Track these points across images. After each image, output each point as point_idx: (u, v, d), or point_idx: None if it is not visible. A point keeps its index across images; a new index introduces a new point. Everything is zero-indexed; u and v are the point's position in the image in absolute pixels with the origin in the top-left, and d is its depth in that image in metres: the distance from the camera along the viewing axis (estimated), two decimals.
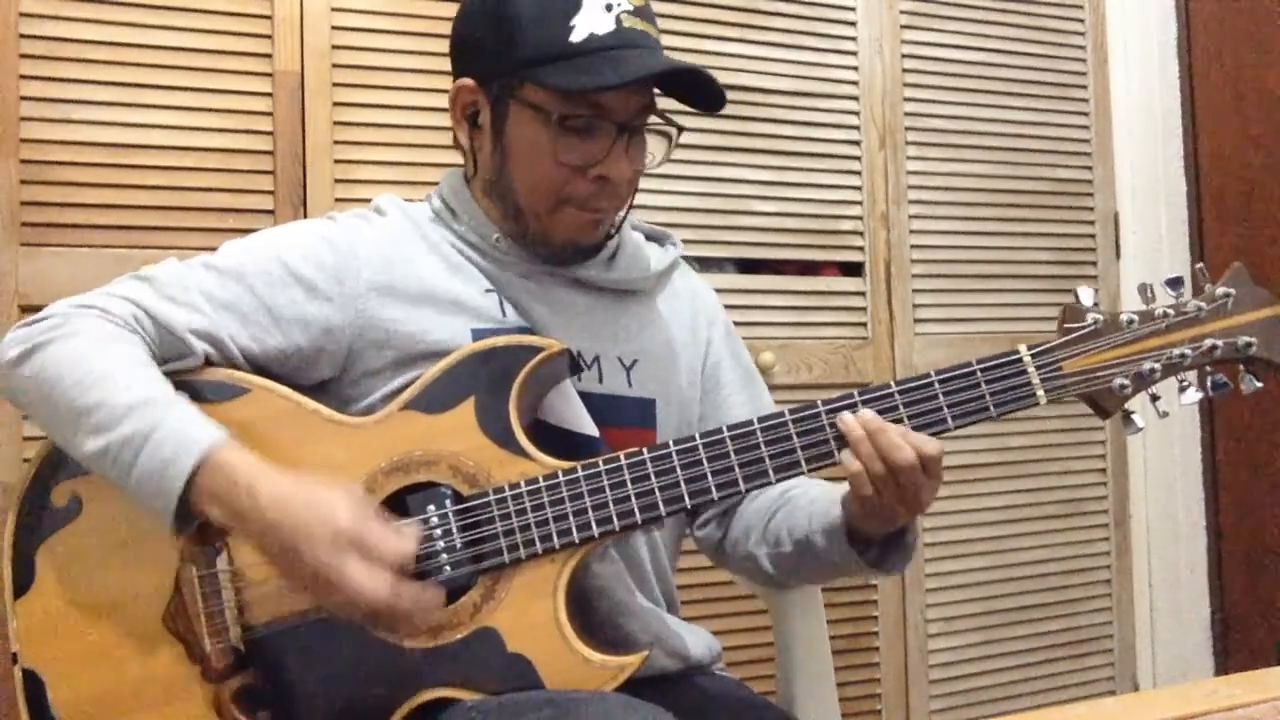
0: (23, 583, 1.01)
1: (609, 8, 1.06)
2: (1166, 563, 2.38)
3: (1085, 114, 2.35)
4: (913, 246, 2.17)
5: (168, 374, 1.02)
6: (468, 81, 1.12)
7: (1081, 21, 2.36)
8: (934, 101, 2.21)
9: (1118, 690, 2.31)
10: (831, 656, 1.33)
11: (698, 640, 1.18)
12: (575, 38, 1.04)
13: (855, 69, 2.13)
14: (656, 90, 1.11)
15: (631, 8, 1.07)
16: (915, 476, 0.99)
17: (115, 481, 0.96)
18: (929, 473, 0.99)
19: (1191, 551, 2.39)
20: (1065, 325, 1.02)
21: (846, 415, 1.00)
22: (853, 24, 2.13)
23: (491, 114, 1.11)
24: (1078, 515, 2.30)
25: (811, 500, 1.14)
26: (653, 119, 1.12)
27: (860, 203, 2.12)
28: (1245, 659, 2.34)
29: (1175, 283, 1.02)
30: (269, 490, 0.93)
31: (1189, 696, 0.87)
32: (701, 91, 1.09)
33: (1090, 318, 1.01)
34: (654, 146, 1.14)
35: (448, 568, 0.99)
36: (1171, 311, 1.01)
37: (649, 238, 1.26)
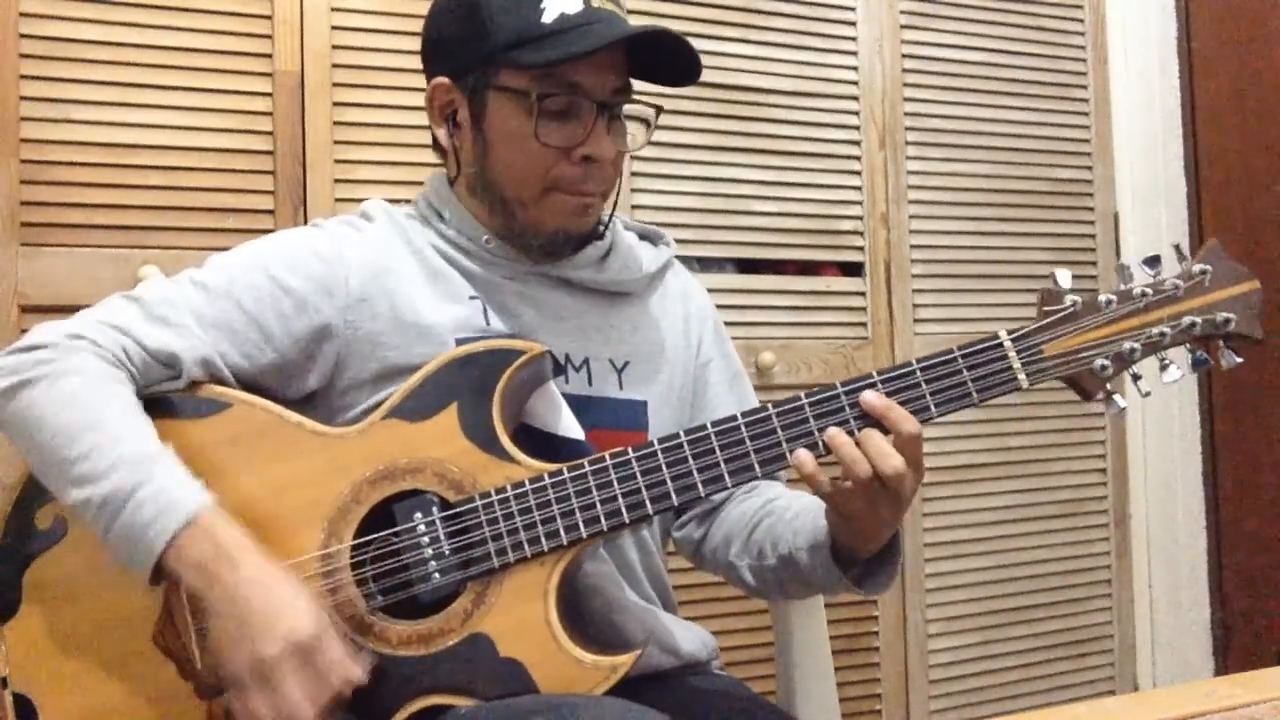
0: (10, 606, 1.00)
1: None
2: (1166, 563, 2.38)
3: (1085, 114, 2.35)
4: (913, 246, 2.16)
5: (153, 395, 1.02)
6: (443, 80, 1.13)
7: (1081, 21, 2.36)
8: (934, 101, 2.20)
9: (1118, 690, 2.31)
10: (831, 656, 1.33)
11: (693, 636, 1.18)
12: (546, 19, 1.05)
13: (855, 69, 2.13)
14: (634, 80, 1.11)
15: None
16: (902, 480, 0.97)
17: (95, 533, 0.95)
18: (909, 458, 0.97)
19: (1191, 551, 2.39)
20: (1044, 308, 1.02)
21: (834, 430, 0.99)
22: (853, 24, 2.13)
23: (470, 108, 1.11)
24: (1078, 515, 2.30)
25: (796, 514, 1.13)
26: (630, 103, 1.12)
27: (860, 203, 2.12)
28: (1245, 659, 2.34)
29: (1152, 261, 1.02)
30: (244, 571, 0.92)
31: (1189, 696, 0.87)
32: (676, 60, 1.10)
33: (1069, 300, 1.01)
34: (634, 131, 1.15)
35: (437, 575, 0.99)
36: (1149, 290, 1.00)
37: (642, 237, 1.26)
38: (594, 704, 0.93)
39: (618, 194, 1.17)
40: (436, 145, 1.18)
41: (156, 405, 1.02)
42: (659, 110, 1.15)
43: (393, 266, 1.11)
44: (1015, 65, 2.28)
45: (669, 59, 1.10)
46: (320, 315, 1.07)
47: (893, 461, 0.96)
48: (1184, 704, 0.85)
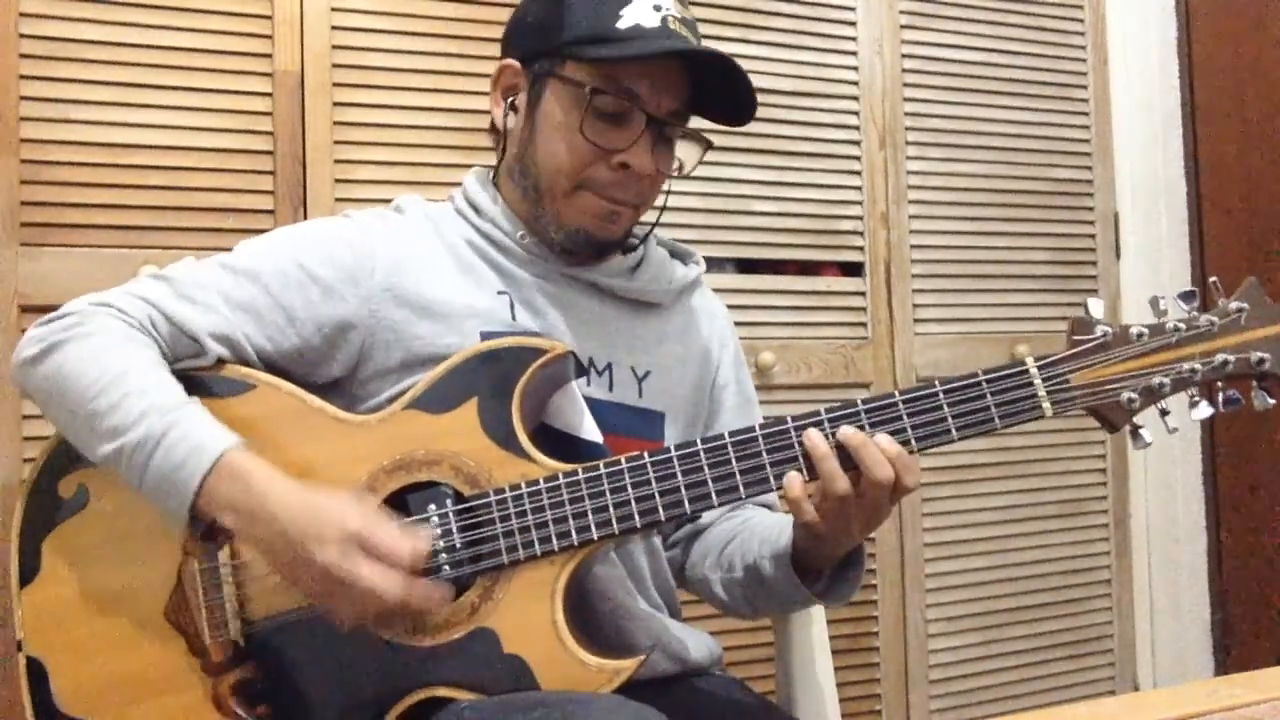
0: (29, 572, 1.03)
1: (657, 8, 1.09)
2: (1166, 563, 2.38)
3: (1085, 114, 2.35)
4: (913, 246, 2.16)
5: (178, 372, 1.04)
6: (512, 62, 1.15)
7: (1081, 21, 2.36)
8: (934, 101, 2.20)
9: (1118, 690, 2.31)
10: (831, 656, 1.33)
11: (697, 643, 1.19)
12: (622, 25, 1.07)
13: (855, 69, 2.13)
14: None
15: (679, 16, 1.11)
16: (883, 495, 0.97)
17: (128, 482, 0.97)
18: (895, 496, 0.98)
19: (1191, 551, 2.39)
20: (1074, 337, 1.00)
21: (813, 432, 0.98)
22: (853, 24, 2.13)
23: (529, 93, 1.13)
24: (1078, 515, 2.30)
25: (767, 528, 1.14)
26: (682, 129, 1.14)
27: (860, 203, 2.12)
28: (1245, 659, 2.34)
29: (1188, 296, 1.00)
30: (278, 496, 0.94)
31: (1189, 696, 0.87)
32: (730, 96, 1.11)
33: (1099, 330, 0.99)
34: (686, 158, 1.16)
35: (446, 567, 1.00)
36: (1183, 325, 0.99)
37: (673, 254, 1.27)
38: (594, 703, 0.93)
39: (660, 213, 1.19)
40: (492, 127, 1.19)
41: (182, 382, 1.03)
42: (710, 144, 1.16)
43: (421, 257, 1.12)
44: (1015, 65, 2.28)
45: (727, 95, 1.12)
46: (345, 304, 1.08)
47: (884, 471, 0.95)
48: (1184, 704, 0.85)
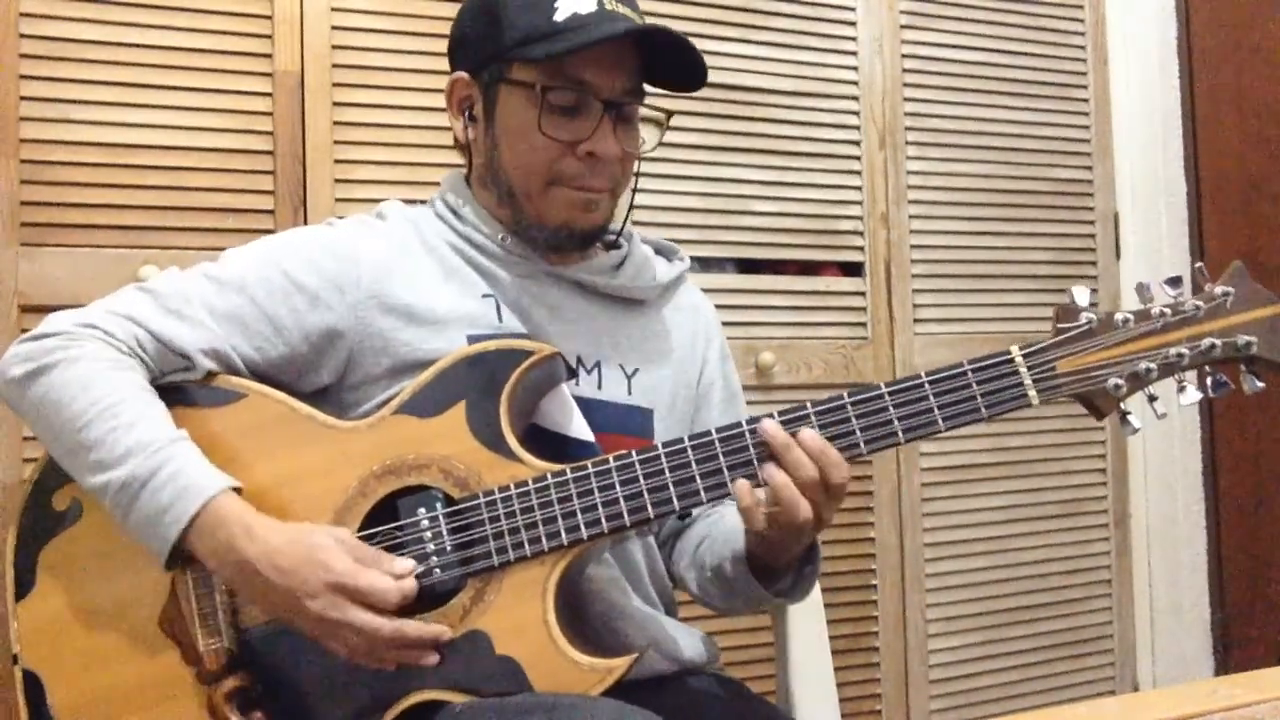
0: (24, 585, 1.03)
1: None
2: (1166, 563, 2.38)
3: (1085, 114, 2.35)
4: (913, 246, 2.16)
5: (168, 384, 1.04)
6: (461, 75, 1.15)
7: (1081, 21, 2.36)
8: (934, 101, 2.20)
9: (1118, 690, 2.31)
10: (831, 656, 1.33)
11: (693, 641, 1.18)
12: (559, 17, 1.07)
13: (855, 69, 2.13)
14: (647, 86, 1.13)
15: None
16: (817, 494, 0.97)
17: (113, 516, 0.97)
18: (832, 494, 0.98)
19: (1191, 551, 2.39)
20: (1059, 325, 1.00)
21: (768, 423, 0.99)
22: (853, 24, 2.13)
23: (483, 102, 1.14)
24: (1078, 515, 2.30)
25: (731, 528, 1.14)
26: (643, 108, 1.14)
27: (860, 203, 2.12)
28: (1245, 659, 2.34)
29: (1174, 282, 1.00)
30: (261, 546, 0.95)
31: (1189, 696, 0.87)
32: (681, 63, 1.11)
33: (1084, 317, 0.99)
34: (647, 135, 1.16)
35: (438, 570, 1.00)
36: (1168, 310, 0.99)
37: (658, 251, 1.27)
38: (589, 704, 0.94)
39: (633, 199, 1.18)
40: (455, 140, 1.19)
41: (172, 393, 1.03)
42: (669, 115, 1.16)
43: (406, 262, 1.12)
44: (1015, 65, 2.28)
45: (678, 63, 1.12)
46: (332, 312, 1.08)
47: (843, 472, 0.97)
48: (1184, 704, 0.85)
